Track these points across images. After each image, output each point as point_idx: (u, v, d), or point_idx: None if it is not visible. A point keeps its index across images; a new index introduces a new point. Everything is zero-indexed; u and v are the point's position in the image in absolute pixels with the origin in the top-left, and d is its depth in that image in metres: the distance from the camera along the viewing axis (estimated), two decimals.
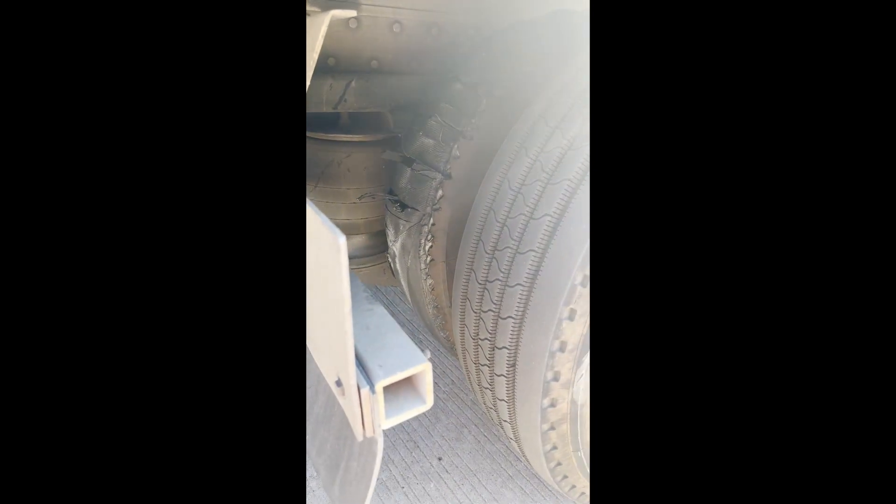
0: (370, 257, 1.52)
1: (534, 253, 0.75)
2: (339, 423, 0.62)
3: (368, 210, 1.41)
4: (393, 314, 1.63)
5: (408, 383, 0.55)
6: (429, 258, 1.12)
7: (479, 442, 1.27)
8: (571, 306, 0.71)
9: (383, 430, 0.52)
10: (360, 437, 0.51)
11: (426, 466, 1.20)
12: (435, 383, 1.51)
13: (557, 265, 0.72)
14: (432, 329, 1.34)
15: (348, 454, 0.59)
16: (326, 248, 0.44)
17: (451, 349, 1.24)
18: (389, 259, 1.35)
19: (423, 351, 0.57)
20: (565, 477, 0.91)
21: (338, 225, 1.48)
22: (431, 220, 1.09)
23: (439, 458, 1.22)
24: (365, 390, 0.49)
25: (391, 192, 1.23)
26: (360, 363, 0.53)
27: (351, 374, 0.48)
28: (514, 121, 0.95)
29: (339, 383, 0.54)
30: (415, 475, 1.17)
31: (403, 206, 1.16)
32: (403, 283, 1.29)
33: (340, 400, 0.55)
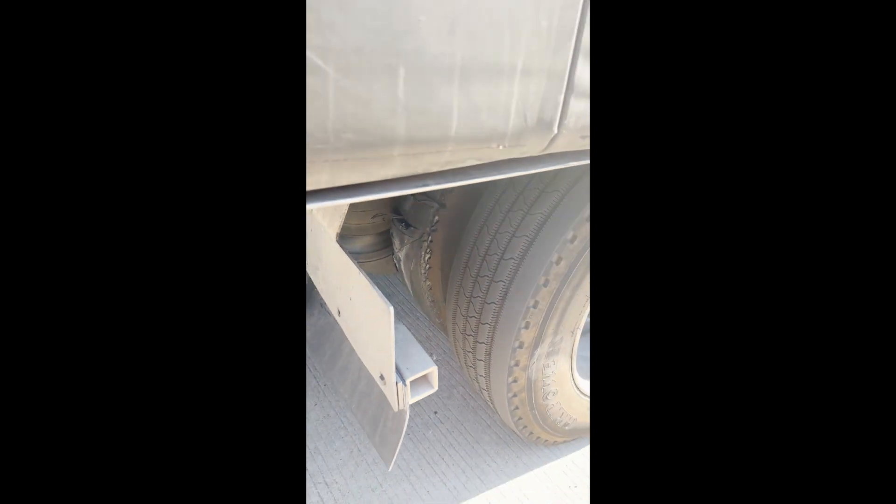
0: (377, 252, 1.84)
1: (503, 283, 1.09)
2: (377, 397, 0.98)
3: (380, 219, 1.72)
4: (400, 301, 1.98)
5: (424, 378, 0.90)
6: (428, 266, 1.46)
7: (465, 399, 1.67)
8: (527, 319, 1.07)
9: (409, 406, 0.88)
10: (395, 409, 0.88)
11: (426, 418, 1.60)
12: (430, 353, 1.89)
13: (520, 291, 1.07)
14: (430, 316, 1.70)
15: (385, 417, 0.96)
16: (377, 311, 0.77)
17: (444, 330, 1.60)
18: (395, 261, 1.69)
19: (430, 355, 0.92)
20: (525, 426, 1.31)
21: (353, 226, 1.80)
22: (430, 238, 1.42)
23: (435, 412, 1.62)
24: (400, 384, 0.84)
25: (396, 212, 1.55)
26: (398, 369, 0.88)
27: (392, 376, 0.83)
28: None
29: (382, 378, 0.90)
30: (417, 425, 1.57)
31: (407, 225, 1.49)
32: (407, 282, 1.63)
33: (382, 387, 0.91)
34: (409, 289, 1.64)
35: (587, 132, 0.61)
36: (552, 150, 0.61)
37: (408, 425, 1.60)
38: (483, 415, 1.61)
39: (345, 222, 1.79)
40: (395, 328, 0.96)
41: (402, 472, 1.42)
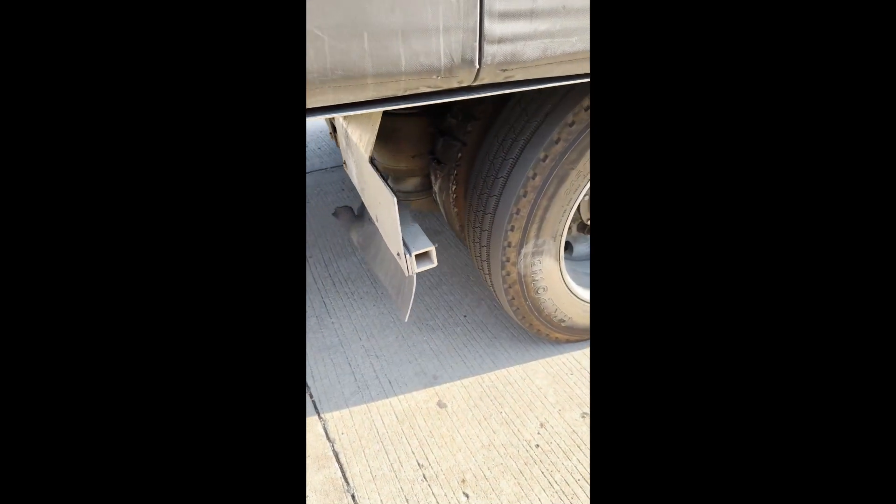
0: (422, 192, 2.24)
1: (495, 196, 1.43)
2: (400, 273, 1.39)
3: (421, 161, 2.10)
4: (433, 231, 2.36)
5: (427, 255, 1.28)
6: (455, 195, 1.82)
7: (489, 308, 2.04)
8: (512, 224, 1.40)
9: (416, 273, 1.27)
10: (407, 275, 1.28)
11: (457, 319, 2.00)
12: (466, 274, 2.27)
13: (506, 201, 1.40)
14: (461, 239, 2.08)
15: (404, 284, 1.37)
16: (388, 202, 1.16)
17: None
18: (433, 195, 2.07)
19: (433, 243, 1.30)
20: (524, 317, 1.65)
21: (403, 169, 2.26)
22: (455, 172, 1.78)
23: (464, 315, 2.01)
24: (409, 256, 1.24)
25: (431, 153, 1.92)
26: (405, 245, 1.27)
27: (402, 251, 1.23)
28: (503, 108, 1.57)
29: (399, 254, 1.30)
30: (449, 323, 1.98)
31: (439, 162, 1.85)
32: (441, 209, 2.01)
33: (399, 261, 1.31)
34: (444, 215, 2.02)
35: (504, 67, 0.93)
36: (482, 80, 0.94)
37: (442, 324, 2.00)
38: (503, 321, 1.98)
39: (395, 166, 2.20)
40: (409, 224, 1.35)
41: (433, 352, 1.84)
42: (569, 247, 1.95)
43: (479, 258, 1.62)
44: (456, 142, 1.73)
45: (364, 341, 1.90)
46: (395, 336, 1.92)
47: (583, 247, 1.97)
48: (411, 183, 2.26)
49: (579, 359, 1.79)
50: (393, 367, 1.78)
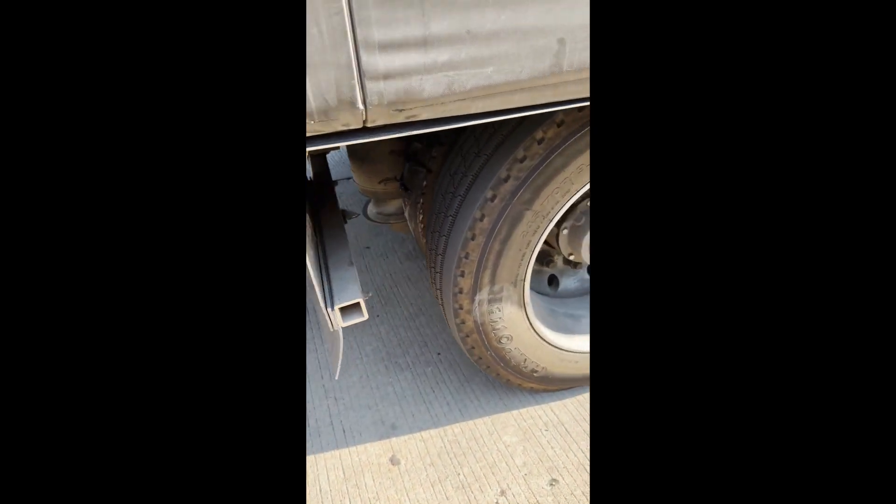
0: (401, 215, 2.09)
1: (445, 237, 1.26)
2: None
3: (390, 186, 1.95)
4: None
5: (356, 306, 1.13)
6: (422, 225, 1.66)
7: None
8: (461, 269, 1.22)
9: (342, 328, 1.13)
10: (331, 330, 1.13)
11: (429, 357, 1.83)
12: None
13: (454, 244, 1.23)
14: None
15: (336, 336, 1.23)
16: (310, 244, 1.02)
17: None
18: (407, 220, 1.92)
19: (365, 293, 1.15)
20: (488, 367, 1.47)
21: (380, 192, 2.07)
22: (421, 200, 1.62)
23: (438, 353, 1.84)
24: (330, 310, 1.09)
25: (400, 179, 1.76)
26: (329, 295, 1.13)
27: (325, 308, 1.09)
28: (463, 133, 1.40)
29: (325, 305, 1.16)
30: (420, 362, 1.82)
31: (406, 188, 1.70)
32: (414, 234, 1.86)
33: (326, 313, 1.17)
34: (417, 240, 1.86)
35: (400, 107, 0.76)
36: (375, 122, 0.78)
37: (412, 362, 1.85)
38: None
39: (372, 189, 2.06)
40: (344, 268, 1.21)
41: (397, 397, 1.69)
42: (553, 280, 1.75)
43: (437, 300, 1.45)
44: (421, 168, 1.57)
45: (326, 380, 1.77)
46: (359, 375, 1.78)
47: (570, 281, 1.76)
48: (393, 206, 2.12)
49: (557, 411, 1.59)
50: (351, 412, 1.65)
